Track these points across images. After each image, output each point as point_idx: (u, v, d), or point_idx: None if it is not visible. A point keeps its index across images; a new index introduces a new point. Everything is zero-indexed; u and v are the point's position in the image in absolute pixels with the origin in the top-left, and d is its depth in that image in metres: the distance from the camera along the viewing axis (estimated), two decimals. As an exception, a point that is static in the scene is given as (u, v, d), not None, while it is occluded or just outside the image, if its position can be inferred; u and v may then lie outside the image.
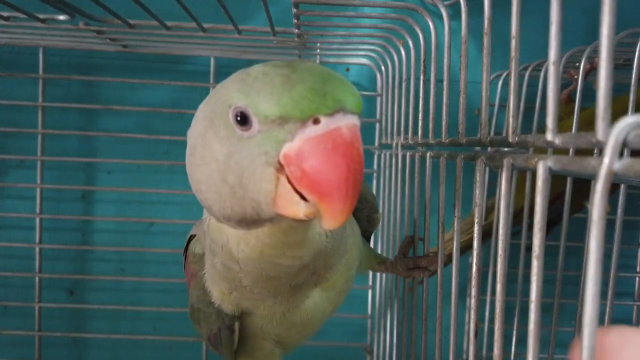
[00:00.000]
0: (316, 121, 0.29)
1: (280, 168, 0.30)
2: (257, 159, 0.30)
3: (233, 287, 0.42)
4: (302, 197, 0.30)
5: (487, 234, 0.69)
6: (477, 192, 0.31)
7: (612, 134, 0.18)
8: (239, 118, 0.30)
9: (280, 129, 0.29)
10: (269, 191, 0.30)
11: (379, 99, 0.85)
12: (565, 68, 0.69)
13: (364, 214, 0.55)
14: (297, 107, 0.29)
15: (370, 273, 0.83)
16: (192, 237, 0.49)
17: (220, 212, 0.34)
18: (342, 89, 0.30)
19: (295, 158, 0.29)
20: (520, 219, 0.66)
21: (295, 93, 0.29)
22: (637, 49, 0.57)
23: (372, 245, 0.81)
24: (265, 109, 0.29)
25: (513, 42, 0.28)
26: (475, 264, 0.33)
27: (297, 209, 0.30)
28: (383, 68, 0.79)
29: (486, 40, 0.32)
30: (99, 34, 0.70)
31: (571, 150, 0.53)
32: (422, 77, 0.52)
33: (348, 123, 0.29)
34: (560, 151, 0.55)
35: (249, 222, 0.34)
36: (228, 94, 0.32)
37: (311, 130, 0.29)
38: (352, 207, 0.29)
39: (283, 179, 0.30)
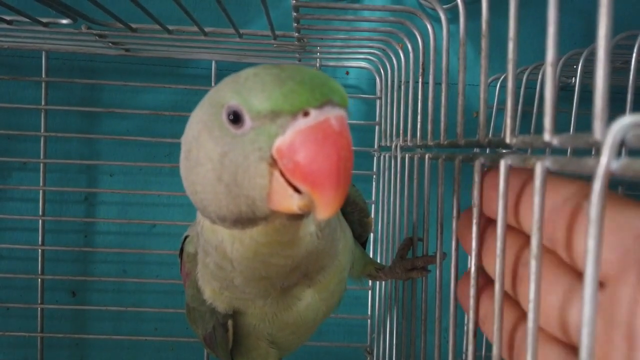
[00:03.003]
0: (306, 114, 0.30)
1: (273, 163, 0.31)
2: (251, 155, 0.31)
3: (224, 287, 0.43)
4: (296, 191, 0.31)
5: None
6: (475, 192, 0.32)
7: (609, 134, 0.19)
8: (232, 116, 0.31)
9: (272, 124, 0.30)
10: (264, 186, 0.31)
11: (378, 102, 0.85)
12: (563, 70, 0.70)
13: (355, 218, 0.55)
14: (288, 101, 0.30)
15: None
16: (186, 237, 0.49)
17: (216, 212, 0.35)
18: (329, 84, 0.31)
19: (287, 150, 0.30)
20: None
21: (285, 88, 0.30)
22: (634, 51, 0.57)
23: (371, 248, 0.82)
24: (257, 104, 0.30)
25: (510, 44, 0.28)
26: (474, 264, 0.33)
27: (291, 202, 0.31)
28: (382, 71, 0.80)
29: (484, 43, 0.32)
30: (101, 37, 0.70)
31: (569, 150, 0.53)
32: (420, 80, 0.52)
33: (336, 114, 0.30)
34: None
35: (244, 221, 0.34)
36: (220, 95, 0.33)
37: (301, 123, 0.30)
38: (344, 195, 0.30)
39: (276, 174, 0.31)
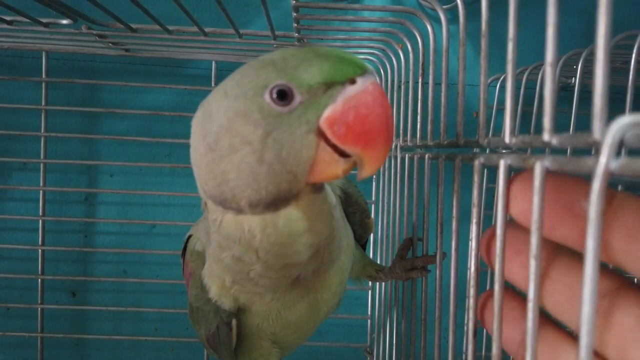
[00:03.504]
0: (352, 82, 0.33)
1: (319, 133, 0.33)
2: (298, 129, 0.33)
3: (237, 280, 0.43)
4: (341, 156, 0.33)
5: None
6: (475, 192, 0.32)
7: (608, 134, 0.19)
8: (278, 95, 0.33)
9: (323, 95, 0.33)
10: (309, 158, 0.33)
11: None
12: (563, 70, 0.70)
13: (357, 219, 0.55)
14: (338, 72, 0.33)
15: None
16: (189, 237, 0.49)
17: (251, 197, 0.35)
18: (358, 58, 0.34)
19: (340, 116, 0.33)
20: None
21: (333, 61, 0.33)
22: (634, 51, 0.57)
23: (371, 249, 0.82)
24: (310, 78, 0.33)
25: (510, 45, 0.28)
26: (474, 264, 0.33)
27: (337, 167, 0.34)
28: (382, 71, 0.80)
29: (483, 43, 0.32)
30: (101, 38, 0.70)
31: (569, 150, 0.53)
32: (420, 80, 0.52)
33: (374, 81, 0.34)
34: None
35: (279, 200, 0.36)
36: (259, 79, 0.34)
37: (351, 90, 0.33)
38: (389, 150, 0.34)
39: (322, 143, 0.33)
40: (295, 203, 0.37)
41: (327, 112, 0.33)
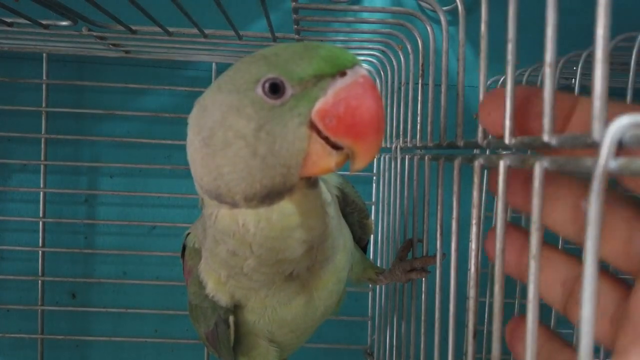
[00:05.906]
0: (343, 74, 0.33)
1: (311, 126, 0.33)
2: (290, 122, 0.33)
3: (232, 275, 0.43)
4: (333, 148, 0.34)
5: None
6: (475, 193, 0.32)
7: (607, 134, 0.19)
8: (270, 88, 0.33)
9: (313, 88, 0.33)
10: (302, 150, 0.34)
11: (378, 103, 0.85)
12: (564, 72, 0.70)
13: (355, 219, 0.55)
14: (328, 64, 0.33)
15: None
16: (188, 234, 0.50)
17: (245, 191, 0.35)
18: (346, 51, 0.35)
19: (331, 108, 0.33)
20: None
21: (323, 54, 0.33)
22: (634, 52, 0.57)
23: (372, 250, 0.82)
24: (300, 71, 0.33)
25: (509, 46, 0.28)
26: (474, 265, 0.33)
27: (329, 159, 0.34)
28: (382, 73, 0.80)
29: (483, 44, 0.32)
30: (102, 39, 0.70)
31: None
32: (420, 82, 0.52)
33: (364, 73, 0.34)
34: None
35: (273, 194, 0.36)
36: (251, 73, 0.34)
37: (341, 82, 0.33)
38: (381, 142, 0.35)
39: (315, 136, 0.33)
40: (289, 197, 0.37)
41: (319, 105, 0.33)
